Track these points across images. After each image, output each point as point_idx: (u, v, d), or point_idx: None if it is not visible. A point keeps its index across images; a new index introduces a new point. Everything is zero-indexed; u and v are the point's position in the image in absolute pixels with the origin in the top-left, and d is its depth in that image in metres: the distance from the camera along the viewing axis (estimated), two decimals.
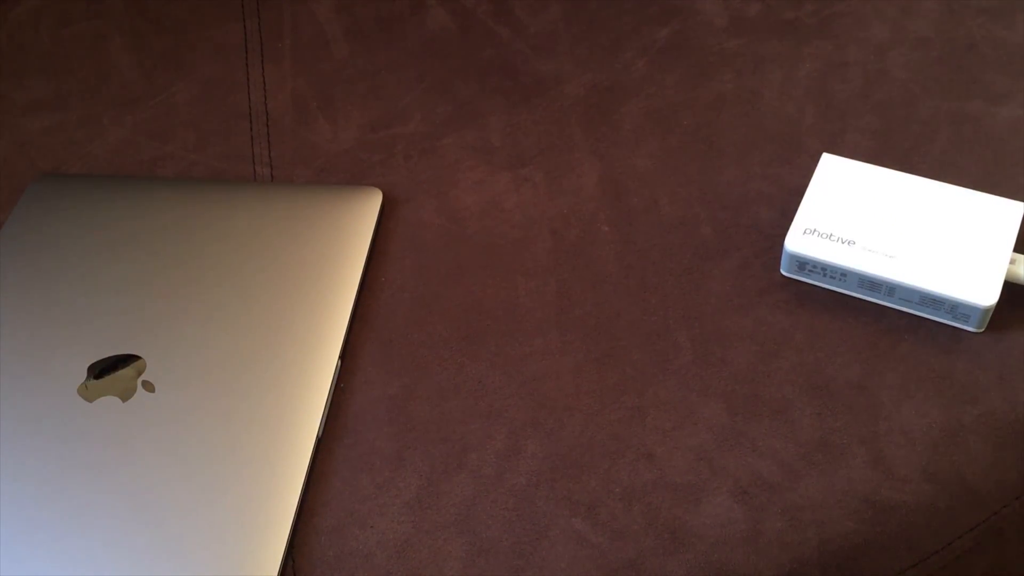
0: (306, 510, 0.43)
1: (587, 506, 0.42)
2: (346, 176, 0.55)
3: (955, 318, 0.46)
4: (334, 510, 0.43)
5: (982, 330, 0.46)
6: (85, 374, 0.45)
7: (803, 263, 0.48)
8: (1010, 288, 0.46)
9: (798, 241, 0.47)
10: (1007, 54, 0.57)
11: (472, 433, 0.45)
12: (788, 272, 0.49)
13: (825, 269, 0.47)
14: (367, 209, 0.52)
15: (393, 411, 0.46)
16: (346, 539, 0.42)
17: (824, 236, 0.47)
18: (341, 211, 0.52)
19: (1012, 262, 0.46)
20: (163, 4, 0.65)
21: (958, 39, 0.58)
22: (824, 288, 0.48)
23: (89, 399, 0.45)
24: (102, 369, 0.46)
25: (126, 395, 0.45)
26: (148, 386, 0.45)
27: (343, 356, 0.47)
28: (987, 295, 0.45)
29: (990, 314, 0.45)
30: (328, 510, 0.43)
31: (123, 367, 0.46)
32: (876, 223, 0.47)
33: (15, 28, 0.64)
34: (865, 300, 0.48)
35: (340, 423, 0.45)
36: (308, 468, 0.43)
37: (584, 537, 0.41)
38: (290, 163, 0.56)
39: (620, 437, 0.44)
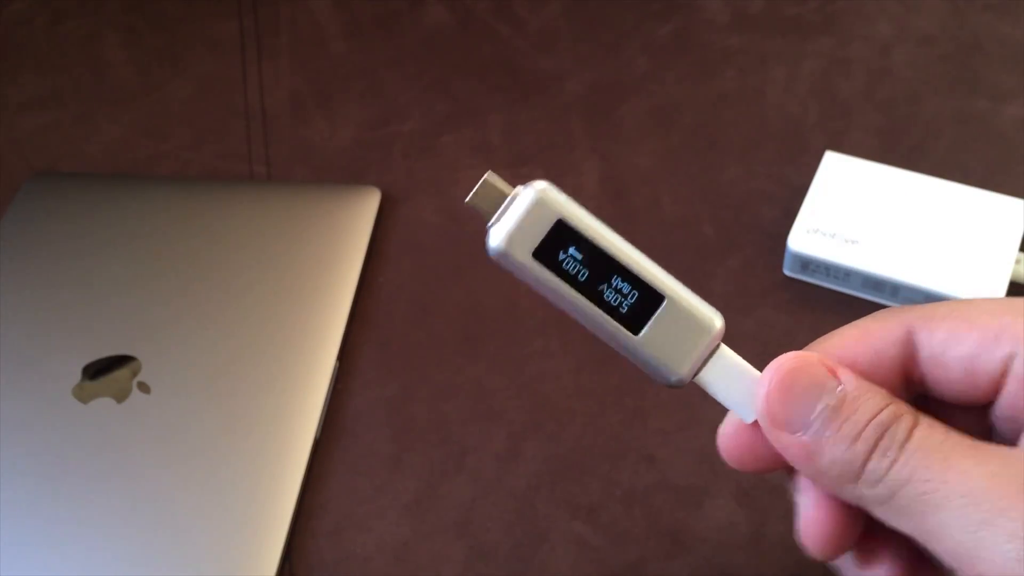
0: (303, 513, 0.42)
1: (588, 509, 0.42)
2: (344, 174, 0.54)
3: None
4: (332, 513, 0.42)
5: None
6: (80, 375, 0.45)
7: (806, 263, 0.47)
8: (1015, 288, 0.46)
9: (801, 240, 0.47)
10: (1013, 52, 0.57)
11: (471, 435, 0.44)
12: (791, 272, 0.48)
13: (828, 269, 0.47)
14: (365, 208, 0.51)
15: (391, 413, 0.45)
16: (344, 542, 0.41)
17: (828, 235, 0.47)
18: (339, 210, 0.51)
19: (1017, 261, 0.46)
20: (158, 1, 0.64)
21: (963, 36, 0.58)
22: (827, 288, 0.48)
23: (84, 400, 0.44)
24: (97, 370, 0.45)
25: (121, 396, 0.44)
26: (144, 387, 0.44)
27: (341, 357, 0.46)
28: (993, 295, 0.44)
29: None
30: (326, 513, 0.42)
31: (118, 368, 0.45)
32: (880, 222, 0.47)
33: (9, 25, 0.63)
34: (869, 300, 0.47)
35: (338, 425, 0.45)
36: (305, 470, 0.42)
37: (585, 540, 0.41)
38: (287, 161, 0.55)
39: (621, 439, 0.44)
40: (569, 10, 0.62)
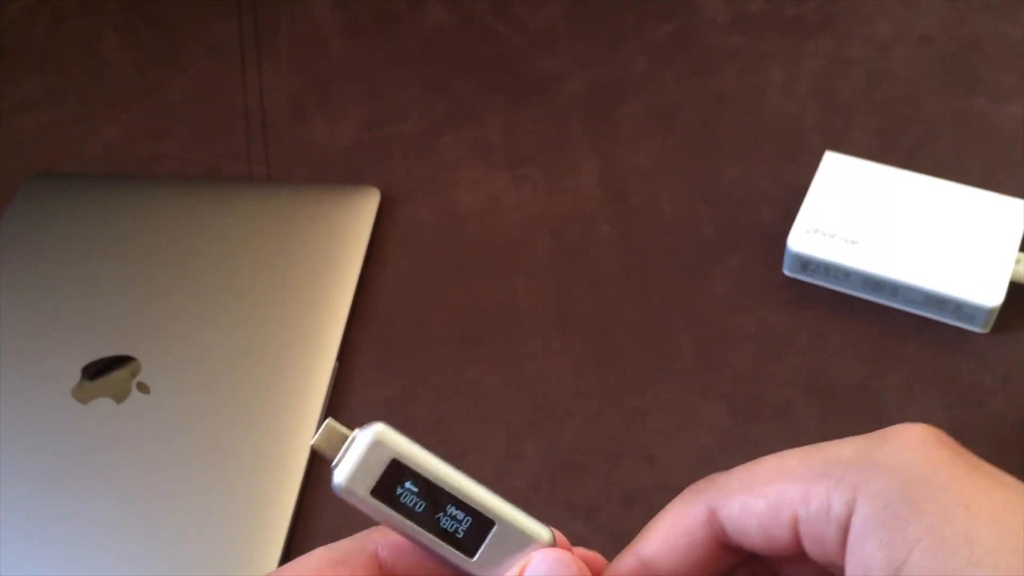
0: (303, 513, 0.42)
1: (587, 509, 0.42)
2: (343, 175, 0.54)
3: (960, 319, 0.46)
4: (331, 513, 0.42)
5: (987, 331, 0.46)
6: (79, 375, 0.45)
7: (806, 263, 0.47)
8: (1015, 288, 0.46)
9: (801, 240, 0.47)
10: (1012, 51, 0.57)
11: (471, 435, 0.44)
12: (791, 272, 0.48)
13: (828, 269, 0.47)
14: (365, 209, 0.51)
15: (391, 413, 0.45)
16: None
17: (827, 235, 0.47)
18: (338, 211, 0.51)
19: (1017, 261, 0.46)
20: (158, 1, 0.64)
21: (962, 36, 0.58)
22: (827, 288, 0.48)
23: (83, 401, 0.44)
24: (96, 370, 0.45)
25: (121, 397, 0.44)
26: (143, 387, 0.44)
27: (340, 357, 0.46)
28: (992, 295, 0.44)
29: (995, 314, 0.45)
30: (325, 513, 0.42)
31: (118, 368, 0.45)
32: (880, 222, 0.47)
33: (9, 25, 0.63)
34: (869, 300, 0.47)
35: None
36: (305, 471, 0.42)
37: (585, 540, 0.41)
38: (287, 162, 0.55)
39: (621, 439, 0.44)
40: (569, 10, 0.61)
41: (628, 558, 0.28)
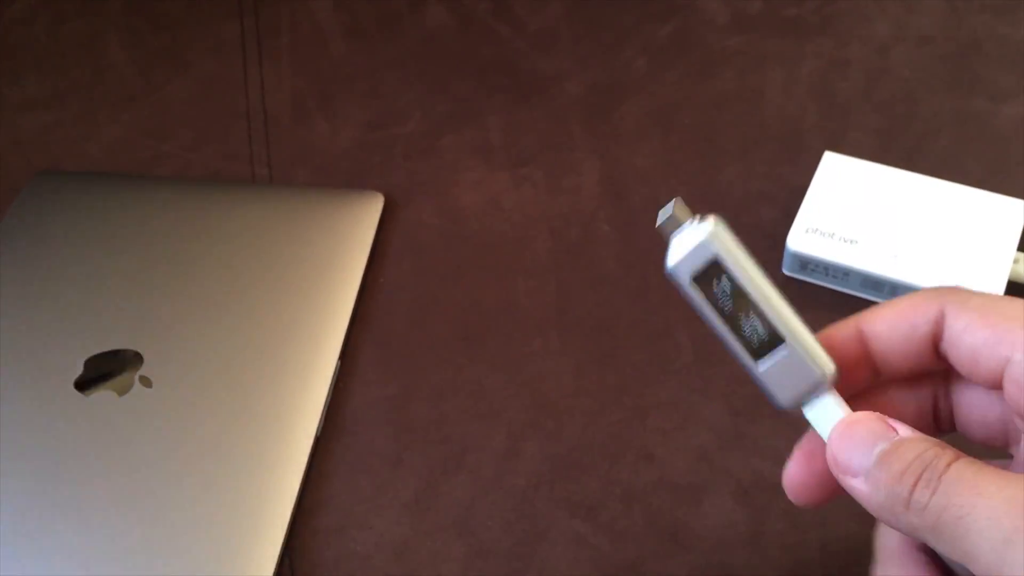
0: (303, 510, 0.42)
1: (587, 507, 0.42)
2: (345, 176, 0.54)
3: None
4: (332, 511, 0.42)
5: None
6: (82, 368, 0.45)
7: (805, 262, 0.47)
8: (1013, 287, 0.46)
9: (800, 240, 0.47)
10: (1011, 52, 0.57)
11: (471, 434, 0.44)
12: (790, 271, 0.48)
13: (827, 268, 0.47)
14: (368, 214, 0.51)
15: (392, 412, 0.45)
16: (344, 540, 0.42)
17: (826, 235, 0.47)
18: (342, 215, 0.51)
19: (1016, 261, 0.46)
20: (160, 1, 0.64)
21: (961, 37, 0.58)
22: (826, 288, 0.48)
23: (86, 394, 0.44)
24: (99, 364, 0.45)
25: (123, 391, 0.44)
26: (145, 381, 0.45)
27: (342, 356, 0.46)
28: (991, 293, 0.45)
29: None
30: (326, 510, 0.42)
31: (120, 362, 0.45)
32: (879, 222, 0.47)
33: (11, 25, 0.64)
34: (868, 300, 0.47)
35: (339, 423, 0.45)
36: (306, 468, 0.42)
37: (584, 539, 0.41)
38: (288, 163, 0.55)
39: (620, 438, 0.44)
40: (569, 11, 0.62)
41: (849, 325, 0.31)
